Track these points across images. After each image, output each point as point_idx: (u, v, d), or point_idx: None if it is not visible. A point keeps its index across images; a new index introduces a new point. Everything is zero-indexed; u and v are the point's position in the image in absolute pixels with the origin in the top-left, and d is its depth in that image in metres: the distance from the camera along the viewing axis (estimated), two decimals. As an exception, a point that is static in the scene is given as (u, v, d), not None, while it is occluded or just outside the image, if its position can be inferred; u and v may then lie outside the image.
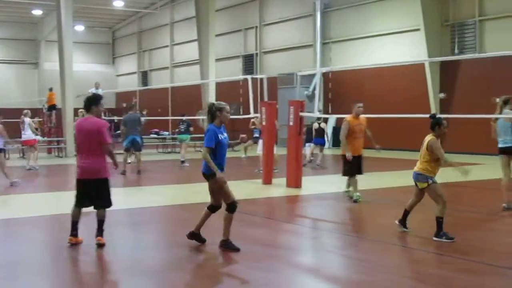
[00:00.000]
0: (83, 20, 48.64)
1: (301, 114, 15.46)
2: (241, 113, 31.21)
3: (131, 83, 52.82)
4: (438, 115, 9.90)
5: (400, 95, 28.88)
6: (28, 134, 21.49)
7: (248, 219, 11.38)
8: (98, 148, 8.53)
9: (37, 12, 47.06)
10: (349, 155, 12.70)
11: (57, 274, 7.70)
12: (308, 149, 22.30)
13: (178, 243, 8.96)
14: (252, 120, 20.64)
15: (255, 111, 18.35)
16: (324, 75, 31.50)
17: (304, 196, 14.16)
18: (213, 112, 8.45)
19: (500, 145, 11.95)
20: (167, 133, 34.60)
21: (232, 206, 8.43)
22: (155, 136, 33.74)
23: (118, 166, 9.11)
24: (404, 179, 17.04)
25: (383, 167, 21.18)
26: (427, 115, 9.88)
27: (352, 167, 13.03)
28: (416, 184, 9.34)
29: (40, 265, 8.02)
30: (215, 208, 8.67)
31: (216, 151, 8.32)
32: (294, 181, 15.35)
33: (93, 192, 8.60)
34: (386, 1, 30.63)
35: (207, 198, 8.78)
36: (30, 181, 18.00)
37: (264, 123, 16.62)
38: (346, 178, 13.36)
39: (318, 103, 18.90)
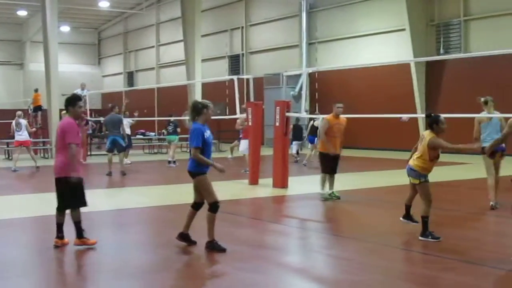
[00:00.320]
0: (68, 20, 48.45)
1: (287, 114, 15.47)
2: (227, 113, 31.19)
3: (117, 84, 52.67)
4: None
5: (386, 95, 28.96)
6: (25, 135, 21.46)
7: (234, 219, 11.37)
8: (63, 148, 8.47)
9: (22, 12, 46.82)
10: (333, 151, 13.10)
11: (43, 276, 7.66)
12: (295, 147, 22.44)
13: (164, 244, 8.94)
14: (238, 121, 20.63)
15: (241, 112, 18.34)
16: (310, 75, 31.49)
17: (291, 196, 14.17)
18: (199, 109, 8.41)
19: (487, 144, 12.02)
20: (153, 134, 34.53)
21: (214, 206, 8.40)
22: (141, 137, 33.64)
23: (78, 171, 8.50)
24: (389, 178, 17.19)
25: (369, 167, 21.26)
26: (414, 115, 9.91)
27: (329, 165, 13.29)
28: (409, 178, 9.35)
29: (26, 267, 7.97)
30: (199, 206, 8.66)
31: (203, 150, 8.32)
32: (281, 181, 15.35)
33: (58, 192, 8.56)
34: (371, 1, 30.71)
35: (186, 199, 8.77)
36: (15, 182, 17.94)
37: (250, 123, 16.61)
38: (324, 178, 13.47)
39: (304, 103, 18.96)
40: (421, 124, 24.96)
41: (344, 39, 32.14)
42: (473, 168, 18.31)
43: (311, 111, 32.27)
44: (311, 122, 21.81)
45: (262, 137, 18.37)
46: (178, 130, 22.93)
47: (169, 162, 22.16)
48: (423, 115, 9.71)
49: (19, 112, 22.11)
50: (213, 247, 8.34)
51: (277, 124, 15.45)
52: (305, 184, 16.52)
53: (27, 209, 12.72)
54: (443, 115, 9.26)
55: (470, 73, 26.06)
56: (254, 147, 16.65)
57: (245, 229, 10.53)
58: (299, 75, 31.22)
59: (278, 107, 15.51)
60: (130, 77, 51.99)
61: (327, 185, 13.41)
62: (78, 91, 27.84)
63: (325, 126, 13.28)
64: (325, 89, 32.57)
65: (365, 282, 7.10)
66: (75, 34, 53.07)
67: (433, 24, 28.11)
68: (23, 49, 52.18)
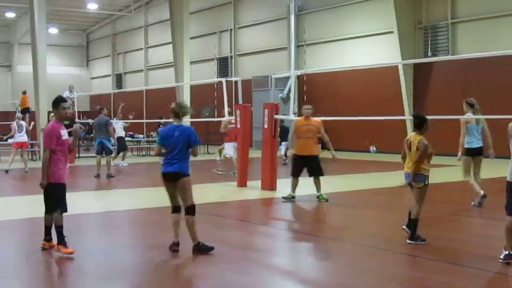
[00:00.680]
0: (56, 22, 48.30)
1: (276, 116, 15.50)
2: (216, 116, 31.21)
3: (106, 86, 52.52)
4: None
5: (374, 97, 29.03)
6: (24, 136, 21.53)
7: (222, 221, 11.39)
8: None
9: (10, 14, 46.60)
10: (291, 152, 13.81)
11: (30, 278, 7.64)
12: (283, 148, 22.55)
13: (151, 247, 8.93)
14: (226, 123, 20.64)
15: (230, 114, 18.35)
16: (299, 77, 31.55)
17: (279, 198, 14.16)
18: (184, 112, 8.66)
19: (475, 146, 12.22)
20: (141, 136, 34.44)
21: (194, 208, 8.51)
22: (130, 139, 33.55)
23: (42, 182, 8.31)
24: (377, 180, 17.25)
25: (356, 169, 21.31)
26: (402, 117, 9.93)
27: (295, 167, 13.59)
28: (410, 184, 9.17)
29: (13, 269, 7.94)
30: (180, 209, 8.65)
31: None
32: (269, 184, 15.37)
33: (44, 195, 8.51)
34: (360, 4, 30.79)
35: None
36: (4, 184, 17.88)
37: (238, 125, 16.62)
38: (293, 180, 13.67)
39: (293, 106, 18.98)
40: (409, 126, 25.04)
41: (333, 42, 32.18)
42: (456, 170, 18.32)
43: (300, 113, 32.30)
44: None
45: (250, 139, 18.39)
46: None
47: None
48: (411, 117, 9.71)
49: (19, 115, 22.19)
50: (201, 249, 8.34)
51: (266, 126, 15.47)
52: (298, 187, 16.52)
53: (15, 211, 12.67)
54: (430, 117, 9.28)
55: (458, 75, 26.18)
56: (242, 149, 16.65)
57: (232, 231, 10.52)
58: (288, 78, 31.22)
59: (266, 110, 15.54)
60: (119, 79, 51.88)
61: (293, 186, 13.59)
62: (66, 93, 27.78)
63: (292, 128, 13.76)
64: (314, 91, 32.61)
65: (353, 284, 7.12)
66: (63, 36, 52.88)
67: (421, 26, 28.22)
68: (11, 51, 51.94)
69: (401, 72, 27.71)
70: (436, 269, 7.62)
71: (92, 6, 43.90)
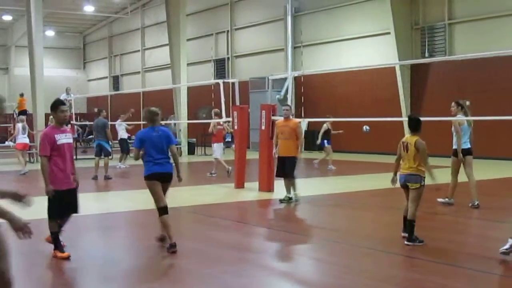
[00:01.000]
0: (53, 25, 48.25)
1: (273, 118, 15.49)
2: (213, 117, 31.18)
3: (103, 88, 52.50)
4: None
5: (371, 98, 29.05)
6: (27, 138, 21.71)
7: (219, 223, 11.38)
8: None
9: (7, 17, 46.56)
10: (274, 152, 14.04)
11: (29, 279, 7.61)
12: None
13: (148, 248, 8.92)
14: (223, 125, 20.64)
15: (227, 115, 18.36)
16: (296, 79, 31.56)
17: (277, 200, 14.15)
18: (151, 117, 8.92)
19: (467, 146, 12.42)
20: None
21: (166, 208, 8.68)
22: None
23: (47, 190, 8.12)
24: (374, 182, 17.24)
25: (353, 170, 21.31)
26: (399, 119, 9.94)
27: (278, 168, 13.75)
28: (405, 187, 9.13)
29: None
30: (167, 209, 8.74)
31: None
32: (267, 185, 15.36)
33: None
34: (356, 5, 30.79)
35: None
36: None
37: (235, 127, 16.62)
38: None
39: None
40: (406, 127, 25.01)
41: (330, 43, 32.17)
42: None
43: (297, 115, 32.32)
44: (324, 125, 21.79)
45: (248, 141, 18.42)
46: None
47: None
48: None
49: (21, 117, 22.26)
50: (175, 247, 8.48)
51: (263, 127, 15.47)
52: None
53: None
54: (428, 118, 9.31)
55: (455, 76, 26.20)
56: (240, 151, 16.64)
57: (230, 233, 10.50)
58: (285, 79, 31.26)
59: (263, 111, 15.53)
60: (116, 81, 51.82)
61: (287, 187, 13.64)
62: (63, 95, 27.78)
63: (274, 130, 14.11)
64: (311, 92, 32.64)
65: (350, 285, 7.11)
66: (60, 38, 52.87)
67: (417, 27, 28.24)
68: (8, 54, 51.90)
69: (398, 73, 27.71)
70: (434, 270, 7.60)
71: (89, 9, 43.84)
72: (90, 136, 25.67)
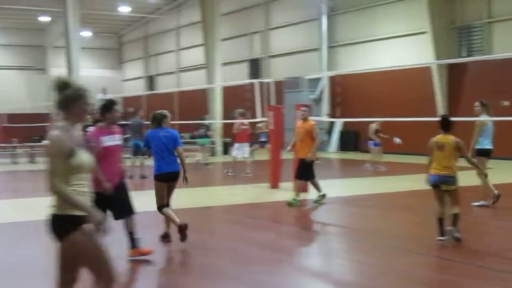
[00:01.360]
0: (89, 26, 48.66)
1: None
2: (237, 117, 31.20)
3: (138, 88, 52.90)
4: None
5: (406, 98, 28.78)
6: None
7: (253, 223, 11.38)
8: None
9: (44, 18, 47.12)
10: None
11: (28, 279, 7.61)
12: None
13: (182, 244, 8.94)
14: (257, 125, 20.63)
15: (262, 115, 18.33)
16: (332, 78, 31.45)
17: (311, 200, 14.09)
18: (160, 119, 9.30)
19: (490, 147, 12.45)
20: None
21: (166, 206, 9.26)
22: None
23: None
24: (409, 183, 17.07)
25: (387, 171, 21.12)
26: (436, 119, 9.83)
27: (296, 170, 13.69)
28: (438, 187, 8.98)
29: (9, 269, 8.01)
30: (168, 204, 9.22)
31: None
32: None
33: None
34: (392, 4, 30.56)
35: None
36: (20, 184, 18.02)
37: (271, 127, 16.59)
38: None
39: (325, 107, 18.88)
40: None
41: (365, 42, 31.97)
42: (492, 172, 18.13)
43: (332, 114, 32.20)
44: (372, 125, 21.67)
45: (282, 141, 18.33)
46: (209, 133, 23.47)
47: (206, 164, 23.09)
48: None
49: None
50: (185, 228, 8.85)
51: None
52: (326, 188, 16.47)
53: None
54: (464, 119, 9.25)
55: (493, 76, 25.81)
56: (274, 151, 16.62)
57: (264, 233, 10.49)
58: (319, 79, 31.22)
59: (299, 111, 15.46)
60: (151, 81, 52.19)
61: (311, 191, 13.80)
62: (100, 95, 28.03)
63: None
64: (346, 92, 32.48)
65: (384, 286, 7.07)
66: (96, 39, 53.38)
67: (454, 27, 27.90)
68: (45, 55, 52.55)
69: (434, 73, 27.42)
70: (466, 272, 7.53)
71: (124, 9, 44.23)
72: (127, 136, 25.83)
